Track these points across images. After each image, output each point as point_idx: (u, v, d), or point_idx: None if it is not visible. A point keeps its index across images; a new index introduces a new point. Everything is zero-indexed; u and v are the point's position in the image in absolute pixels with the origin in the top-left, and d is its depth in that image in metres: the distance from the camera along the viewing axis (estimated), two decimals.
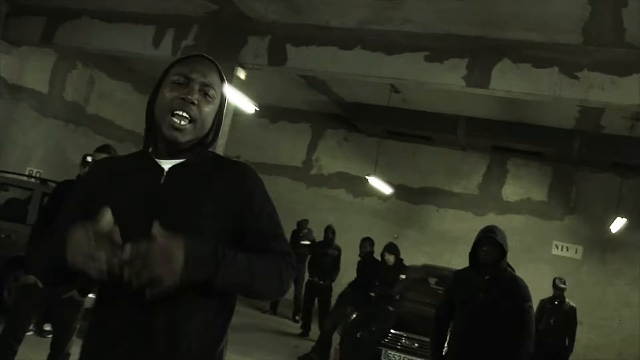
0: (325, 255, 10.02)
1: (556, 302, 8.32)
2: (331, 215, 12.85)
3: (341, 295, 8.73)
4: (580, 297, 9.84)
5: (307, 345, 8.64)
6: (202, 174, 1.70)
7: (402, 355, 6.98)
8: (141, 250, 1.41)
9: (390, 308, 7.55)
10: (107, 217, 1.46)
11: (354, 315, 7.67)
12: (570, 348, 8.45)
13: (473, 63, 7.78)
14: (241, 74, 8.85)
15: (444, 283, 9.62)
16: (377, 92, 11.02)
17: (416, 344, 7.04)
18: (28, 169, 10.70)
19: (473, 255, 4.07)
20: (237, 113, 9.07)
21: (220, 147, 8.87)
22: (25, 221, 7.15)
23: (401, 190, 12.77)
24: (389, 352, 7.03)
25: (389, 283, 7.86)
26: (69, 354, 4.60)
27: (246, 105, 7.87)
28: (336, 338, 8.07)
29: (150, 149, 1.75)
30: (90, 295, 4.40)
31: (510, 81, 7.67)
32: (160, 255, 1.42)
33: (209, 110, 1.70)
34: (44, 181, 8.04)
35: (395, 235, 12.44)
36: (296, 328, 10.56)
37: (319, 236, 10.87)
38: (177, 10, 8.81)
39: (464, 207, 12.59)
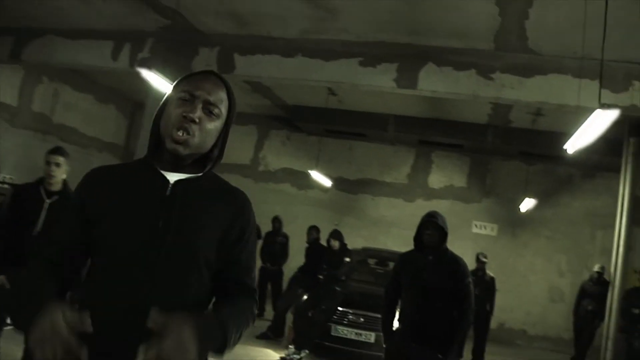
0: (274, 243, 9.92)
1: (479, 274, 8.52)
2: (278, 207, 12.73)
3: (292, 279, 8.68)
4: (496, 268, 10.10)
5: (262, 325, 8.54)
6: (206, 193, 1.60)
7: (350, 330, 7.01)
8: (157, 354, 1.25)
9: (337, 288, 7.55)
10: (86, 324, 1.30)
11: (305, 296, 7.64)
12: (491, 312, 8.68)
13: (402, 67, 7.84)
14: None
15: (382, 263, 9.76)
16: (316, 95, 10.98)
17: (362, 319, 7.09)
18: (1, 175, 10.21)
19: (417, 238, 4.09)
20: None
21: None
22: None
23: (340, 182, 12.80)
24: (337, 327, 7.05)
25: (335, 266, 7.85)
26: None
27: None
28: (289, 317, 8.03)
29: (151, 157, 1.62)
30: None
31: (435, 83, 7.77)
32: (175, 353, 1.26)
33: (212, 127, 1.57)
34: (15, 186, 7.66)
35: (336, 223, 12.45)
36: None
37: (268, 227, 10.77)
38: (133, 26, 8.52)
39: (395, 195, 12.72)
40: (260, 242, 10.69)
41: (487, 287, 8.57)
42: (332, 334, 7.07)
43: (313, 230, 9.01)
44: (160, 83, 6.79)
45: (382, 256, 9.87)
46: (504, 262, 11.56)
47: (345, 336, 6.92)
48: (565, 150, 6.30)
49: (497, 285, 8.88)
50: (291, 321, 7.58)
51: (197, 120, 1.53)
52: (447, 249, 4.07)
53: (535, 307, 11.61)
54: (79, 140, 12.32)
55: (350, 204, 12.98)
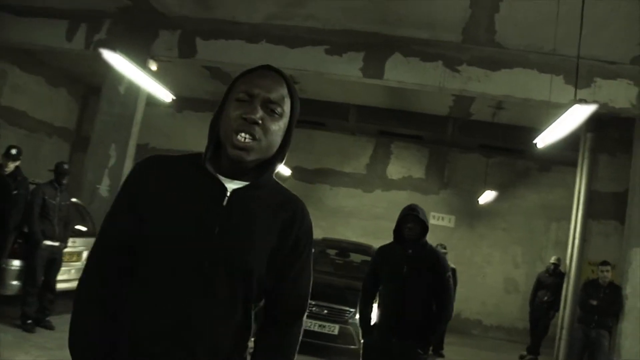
0: None
1: None
2: None
3: None
4: (453, 259, 10.22)
5: None
6: (264, 203, 1.48)
7: (314, 322, 6.95)
8: None
9: None
10: None
11: None
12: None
13: (369, 56, 7.78)
14: (153, 65, 8.36)
15: (342, 254, 9.74)
16: None
17: (325, 311, 7.04)
18: None
19: (397, 231, 4.04)
20: (147, 103, 8.58)
21: (133, 136, 8.37)
22: None
23: (299, 172, 12.68)
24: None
25: None
26: None
27: (163, 94, 7.39)
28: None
29: (208, 162, 1.47)
30: None
31: (401, 73, 7.74)
32: None
33: (276, 128, 1.43)
34: None
35: None
36: None
37: None
38: (89, 5, 8.13)
39: (354, 185, 12.71)
40: None
41: None
42: None
43: None
44: (119, 66, 6.49)
45: (342, 247, 9.85)
46: (460, 254, 11.73)
47: (308, 328, 6.84)
48: (534, 144, 6.37)
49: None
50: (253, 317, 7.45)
51: (259, 121, 1.40)
52: (426, 243, 4.04)
53: (490, 298, 11.85)
54: (27, 124, 11.76)
55: (309, 194, 12.86)
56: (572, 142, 10.30)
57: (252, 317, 1.53)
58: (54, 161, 6.68)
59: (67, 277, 6.54)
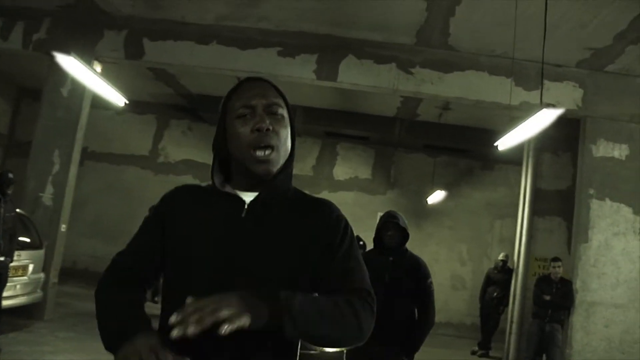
0: None
1: None
2: None
3: None
4: None
5: None
6: (284, 208, 1.46)
7: None
8: (192, 305, 1.17)
9: None
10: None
11: None
12: None
13: (322, 58, 7.75)
14: (97, 67, 8.00)
15: None
16: (224, 84, 10.49)
17: None
18: None
19: (377, 239, 4.02)
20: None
21: (78, 141, 8.00)
22: None
23: None
24: None
25: None
26: None
27: (115, 97, 7.08)
28: None
29: (221, 181, 1.50)
30: None
31: (355, 75, 7.76)
32: (213, 303, 1.16)
33: (286, 133, 1.45)
34: None
35: None
36: (157, 308, 9.92)
37: None
38: (27, 3, 7.69)
39: (300, 186, 11.88)
40: None
41: None
42: None
43: None
44: (71, 68, 6.16)
45: None
46: None
47: None
48: (495, 146, 6.54)
49: None
50: None
51: (270, 127, 1.40)
52: (407, 250, 4.04)
53: (438, 295, 11.89)
54: None
55: None
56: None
57: None
58: None
59: (12, 294, 6.16)
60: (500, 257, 9.76)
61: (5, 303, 5.94)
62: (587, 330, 6.93)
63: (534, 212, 9.19)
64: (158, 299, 10.55)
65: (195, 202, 1.48)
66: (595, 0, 5.72)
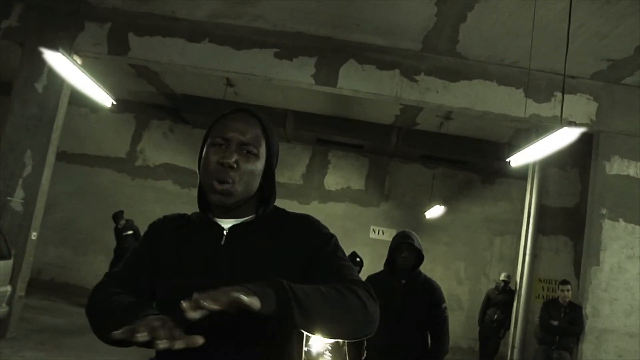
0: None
1: None
2: (158, 207, 12.09)
3: None
4: None
5: None
6: (263, 231, 1.57)
7: None
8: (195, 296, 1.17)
9: None
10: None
11: None
12: None
13: (321, 62, 7.69)
14: (77, 61, 7.84)
15: None
16: (210, 84, 10.51)
17: None
18: None
19: (389, 261, 3.96)
20: None
21: (54, 142, 7.83)
22: None
23: None
24: None
25: None
26: None
27: (101, 97, 6.93)
28: None
29: (203, 207, 1.64)
30: None
31: (356, 81, 7.71)
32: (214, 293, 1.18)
33: (253, 167, 1.55)
34: None
35: None
36: None
37: (143, 227, 10.24)
38: None
39: (289, 196, 12.56)
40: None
41: None
42: None
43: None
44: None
45: None
46: None
47: None
48: (507, 162, 6.50)
49: None
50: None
51: (234, 165, 1.51)
52: (420, 272, 4.00)
53: None
54: None
55: None
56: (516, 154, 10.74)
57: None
58: None
59: None
60: (502, 277, 9.75)
61: None
62: (597, 359, 6.93)
63: (538, 230, 9.20)
64: None
65: (180, 231, 1.62)
66: (617, 9, 5.73)
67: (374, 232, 12.37)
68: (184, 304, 1.15)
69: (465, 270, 12.16)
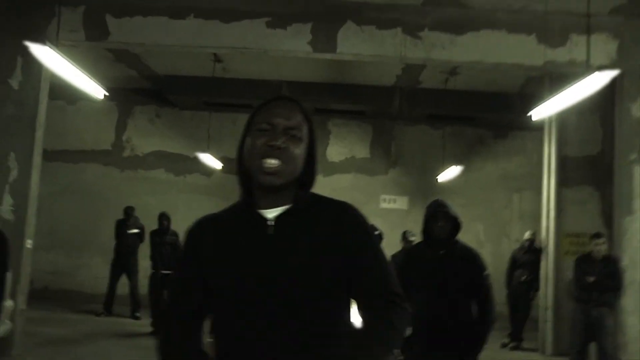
0: (164, 244, 9.39)
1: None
2: (152, 199, 12.07)
3: None
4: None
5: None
6: (307, 220, 1.72)
7: None
8: None
9: None
10: None
11: None
12: None
13: (317, 27, 7.60)
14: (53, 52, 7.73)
15: None
16: (196, 62, 10.38)
17: None
18: None
19: (426, 231, 3.98)
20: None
21: (38, 142, 7.76)
22: None
23: (225, 163, 12.29)
24: None
25: None
26: None
27: (91, 89, 6.84)
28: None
29: (245, 199, 1.75)
30: None
31: (356, 44, 7.63)
32: None
33: (299, 151, 1.70)
34: None
35: None
36: (140, 326, 9.82)
37: (148, 221, 10.29)
38: None
39: None
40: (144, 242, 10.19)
41: None
42: None
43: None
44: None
45: None
46: (417, 238, 11.93)
47: None
48: (529, 116, 6.46)
49: None
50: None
51: (282, 146, 1.65)
52: (457, 241, 4.03)
53: None
54: None
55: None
56: (529, 104, 10.72)
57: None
58: None
59: None
60: (526, 235, 9.81)
61: None
62: None
63: (561, 183, 9.25)
64: (139, 314, 10.43)
65: (221, 229, 1.75)
66: None
67: (385, 201, 12.39)
68: None
69: (485, 232, 12.22)
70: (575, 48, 7.39)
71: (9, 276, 4.99)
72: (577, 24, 7.35)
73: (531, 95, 10.54)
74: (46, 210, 12.04)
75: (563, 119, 9.27)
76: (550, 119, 9.39)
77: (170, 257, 9.34)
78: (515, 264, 9.75)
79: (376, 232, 7.87)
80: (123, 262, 10.59)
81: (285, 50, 7.69)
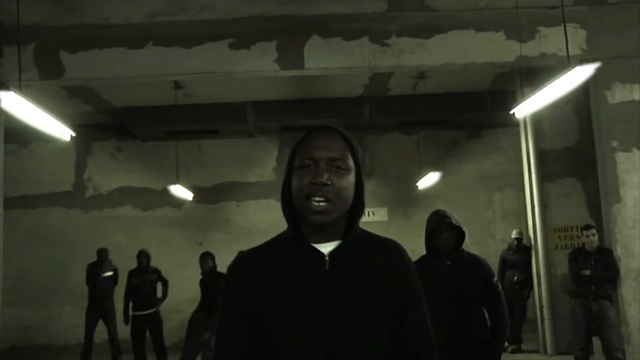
0: (144, 283, 9.33)
1: None
2: (122, 237, 12.00)
3: (191, 323, 8.24)
4: None
5: None
6: (361, 256, 1.77)
7: None
8: None
9: None
10: None
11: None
12: None
13: (282, 44, 7.70)
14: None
15: None
16: (156, 91, 10.38)
17: None
18: None
19: (429, 244, 4.08)
20: None
21: None
22: None
23: (195, 192, 12.29)
24: None
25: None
26: None
27: (57, 130, 6.81)
28: None
29: (298, 234, 1.76)
30: None
31: (323, 58, 7.75)
32: None
33: (345, 184, 1.72)
34: None
35: (200, 242, 12.07)
36: None
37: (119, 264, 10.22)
38: None
39: (264, 195, 12.54)
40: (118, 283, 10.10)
41: None
42: None
43: (208, 257, 8.63)
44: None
45: None
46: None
47: None
48: (512, 114, 6.63)
49: None
50: None
51: (328, 182, 1.67)
52: (464, 250, 4.13)
53: None
54: None
55: (212, 217, 12.60)
56: (500, 101, 10.99)
57: None
58: None
59: None
60: (513, 234, 10.02)
61: None
62: None
63: (542, 177, 9.49)
64: None
65: (274, 265, 1.74)
66: None
67: (365, 214, 12.46)
68: None
69: (470, 235, 12.06)
70: (545, 41, 7.63)
71: None
72: (544, 16, 7.59)
73: (502, 92, 10.83)
74: (8, 262, 11.81)
75: (537, 112, 9.52)
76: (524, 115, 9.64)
77: (152, 296, 9.32)
78: (505, 264, 9.94)
79: None
80: (98, 307, 10.45)
81: (251, 71, 7.77)
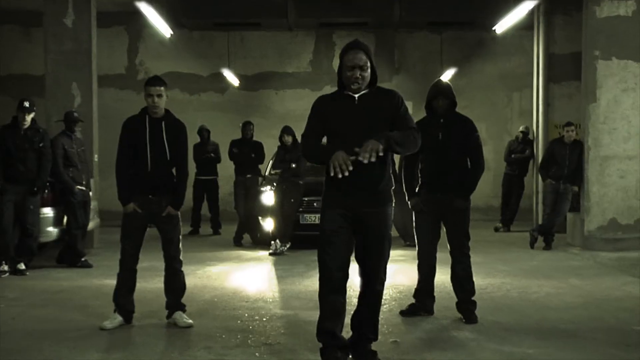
0: (206, 153, 12.59)
1: None
2: None
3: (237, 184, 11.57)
4: None
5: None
6: (375, 98, 4.34)
7: (317, 215, 9.84)
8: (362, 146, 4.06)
9: (300, 182, 10.38)
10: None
11: (262, 196, 10.70)
12: None
13: None
14: None
15: None
16: None
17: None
18: None
19: (428, 107, 6.27)
20: None
21: (94, 71, 10.66)
22: None
23: (241, 81, 15.19)
24: (305, 215, 10.08)
25: (292, 161, 10.49)
26: None
27: (160, 26, 9.76)
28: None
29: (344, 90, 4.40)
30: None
31: None
32: (371, 145, 4.03)
33: (366, 75, 4.26)
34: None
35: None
36: None
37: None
38: None
39: (300, 85, 15.49)
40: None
41: None
42: (301, 222, 10.27)
43: (249, 125, 11.81)
44: None
45: None
46: None
47: (313, 222, 9.83)
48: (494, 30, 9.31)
49: None
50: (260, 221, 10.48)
51: (359, 76, 4.25)
52: (456, 112, 6.28)
53: None
54: None
55: (253, 103, 15.56)
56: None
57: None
58: None
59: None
60: (521, 128, 12.96)
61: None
62: (602, 183, 10.08)
63: (549, 79, 12.26)
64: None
65: (331, 102, 4.41)
66: None
67: None
68: (357, 150, 4.03)
69: (487, 131, 15.18)
70: None
71: None
72: None
73: None
74: None
75: (550, 18, 12.14)
76: (537, 19, 12.29)
77: (213, 165, 12.64)
78: (510, 152, 12.93)
79: None
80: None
81: None
